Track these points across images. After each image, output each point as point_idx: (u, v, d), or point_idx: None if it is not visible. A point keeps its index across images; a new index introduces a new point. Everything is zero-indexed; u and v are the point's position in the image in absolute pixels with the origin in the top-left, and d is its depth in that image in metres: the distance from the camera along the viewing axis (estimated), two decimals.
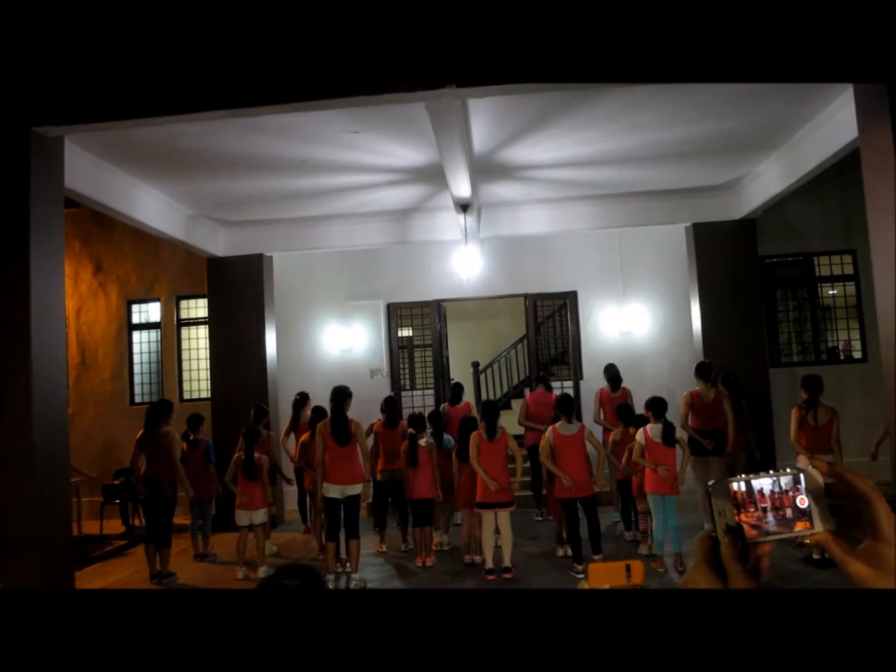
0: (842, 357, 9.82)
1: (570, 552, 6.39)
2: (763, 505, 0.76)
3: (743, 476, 0.77)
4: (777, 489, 0.77)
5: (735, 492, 0.77)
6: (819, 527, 0.76)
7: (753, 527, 0.76)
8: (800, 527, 0.76)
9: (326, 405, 6.95)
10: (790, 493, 0.76)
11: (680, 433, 6.31)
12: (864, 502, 0.75)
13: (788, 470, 0.78)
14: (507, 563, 6.20)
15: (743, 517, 0.76)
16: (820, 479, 0.77)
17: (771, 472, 0.78)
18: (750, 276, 8.82)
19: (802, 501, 0.76)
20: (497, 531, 6.30)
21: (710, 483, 0.79)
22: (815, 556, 5.83)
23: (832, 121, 6.16)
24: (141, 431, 6.88)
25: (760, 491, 0.77)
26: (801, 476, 0.77)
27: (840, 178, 8.48)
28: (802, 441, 6.18)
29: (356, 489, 6.17)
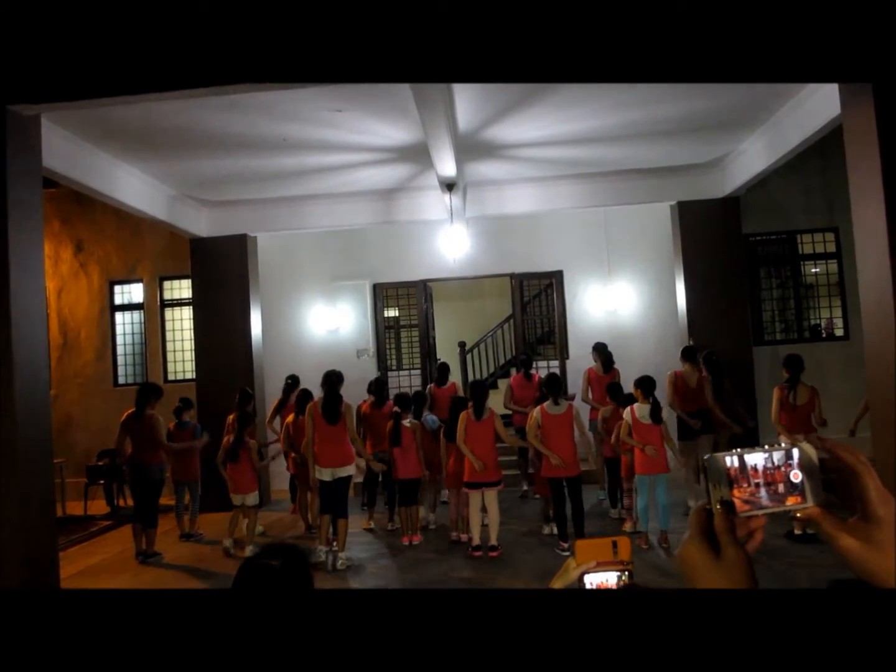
0: (824, 335, 9.90)
1: (555, 530, 6.44)
2: (756, 480, 0.77)
3: (737, 450, 0.78)
4: (770, 465, 0.78)
5: (728, 467, 0.78)
6: (811, 501, 0.77)
7: (746, 501, 0.77)
8: (791, 501, 0.77)
9: (312, 386, 6.96)
10: (782, 469, 0.77)
11: (667, 413, 6.35)
12: (853, 476, 0.76)
13: (782, 445, 0.78)
14: (493, 541, 6.24)
15: (735, 492, 0.77)
16: (814, 453, 0.78)
17: (766, 446, 0.79)
18: (734, 254, 8.84)
19: (796, 476, 0.77)
20: (484, 510, 6.35)
21: (705, 457, 0.80)
22: (797, 532, 5.90)
23: (814, 97, 6.16)
24: (126, 414, 6.87)
25: (753, 466, 0.78)
26: (794, 451, 0.78)
27: (822, 156, 8.49)
28: (783, 420, 6.23)
29: (346, 471, 6.23)
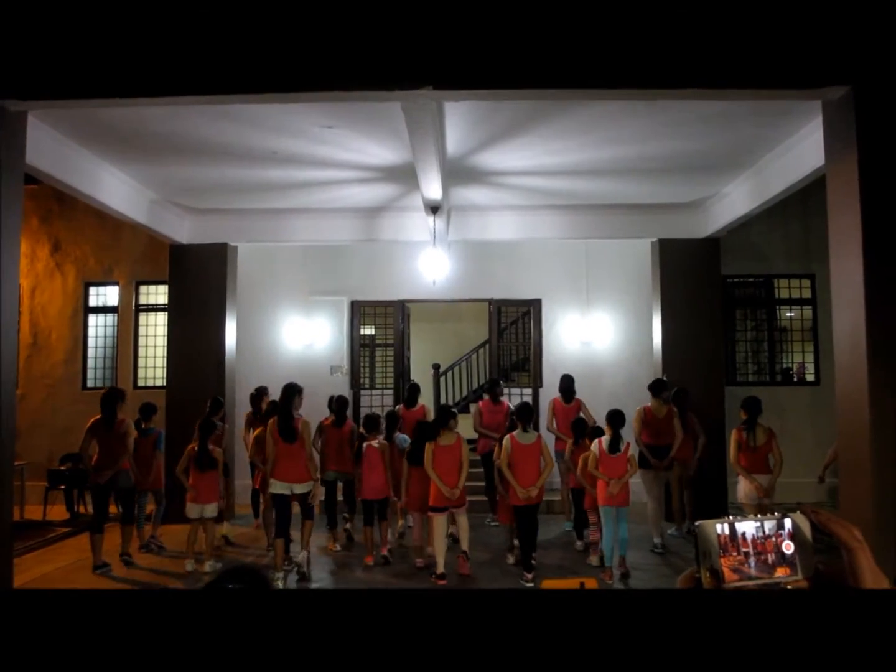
0: (795, 379, 10.02)
1: (519, 556, 6.42)
2: (745, 549, 0.76)
3: (728, 518, 0.78)
4: (760, 534, 0.77)
5: (718, 534, 0.77)
6: (801, 574, 0.76)
7: (734, 571, 0.76)
8: (780, 573, 0.76)
9: None
10: (773, 539, 0.76)
11: (632, 449, 6.40)
12: (847, 552, 0.75)
13: (776, 514, 0.78)
14: (464, 548, 6.34)
15: (724, 561, 0.76)
16: (806, 525, 0.77)
17: (759, 515, 0.78)
18: (712, 295, 8.94)
19: (788, 547, 0.76)
20: (453, 523, 6.38)
21: (696, 523, 0.79)
22: None
23: (800, 147, 6.28)
24: (93, 419, 6.73)
25: (743, 535, 0.77)
26: (786, 521, 0.77)
27: (804, 202, 8.65)
28: (742, 462, 6.32)
29: (304, 487, 6.22)
